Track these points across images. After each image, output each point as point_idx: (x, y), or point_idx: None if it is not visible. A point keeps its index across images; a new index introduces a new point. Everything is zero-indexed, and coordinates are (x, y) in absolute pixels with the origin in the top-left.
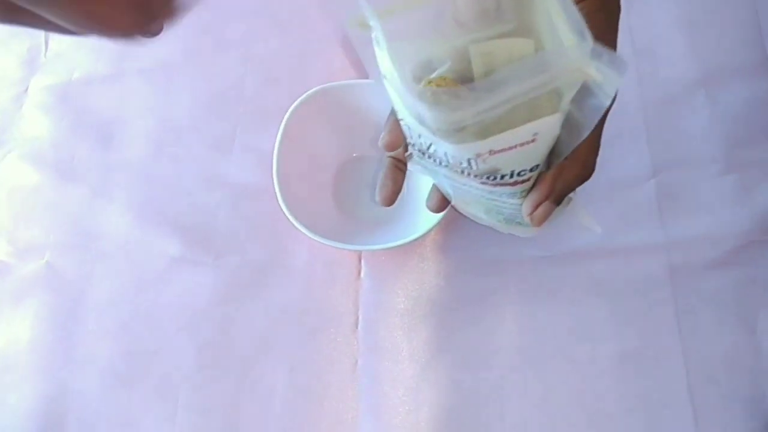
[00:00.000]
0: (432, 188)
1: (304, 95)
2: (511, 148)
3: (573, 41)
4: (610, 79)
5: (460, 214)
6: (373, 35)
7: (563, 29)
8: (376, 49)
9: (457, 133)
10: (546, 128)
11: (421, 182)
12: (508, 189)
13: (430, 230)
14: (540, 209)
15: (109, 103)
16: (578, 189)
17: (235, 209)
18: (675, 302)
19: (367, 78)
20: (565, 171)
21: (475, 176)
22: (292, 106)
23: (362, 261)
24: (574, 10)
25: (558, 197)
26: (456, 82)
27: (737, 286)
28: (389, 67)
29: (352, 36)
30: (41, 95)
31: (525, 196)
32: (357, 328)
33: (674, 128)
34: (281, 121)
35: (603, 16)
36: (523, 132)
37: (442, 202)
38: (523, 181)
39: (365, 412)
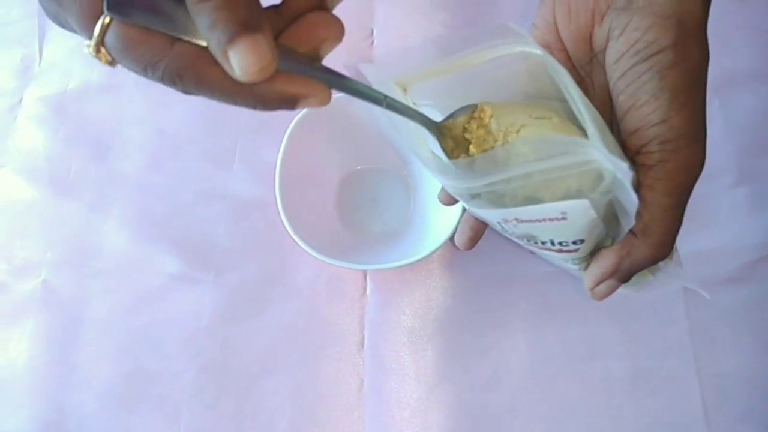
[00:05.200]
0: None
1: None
2: (539, 220)
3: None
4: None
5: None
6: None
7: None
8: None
9: (473, 199)
10: (575, 210)
11: (428, 199)
12: (556, 255)
13: (438, 248)
14: (602, 287)
15: (106, 114)
16: (678, 246)
17: (235, 224)
18: (688, 319)
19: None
20: (635, 250)
21: (518, 238)
22: (295, 119)
23: (368, 277)
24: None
25: (624, 277)
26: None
27: (752, 303)
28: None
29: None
30: (36, 106)
31: (581, 263)
32: (363, 347)
33: None
34: (283, 132)
35: None
36: (548, 209)
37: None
38: (569, 251)
39: None
